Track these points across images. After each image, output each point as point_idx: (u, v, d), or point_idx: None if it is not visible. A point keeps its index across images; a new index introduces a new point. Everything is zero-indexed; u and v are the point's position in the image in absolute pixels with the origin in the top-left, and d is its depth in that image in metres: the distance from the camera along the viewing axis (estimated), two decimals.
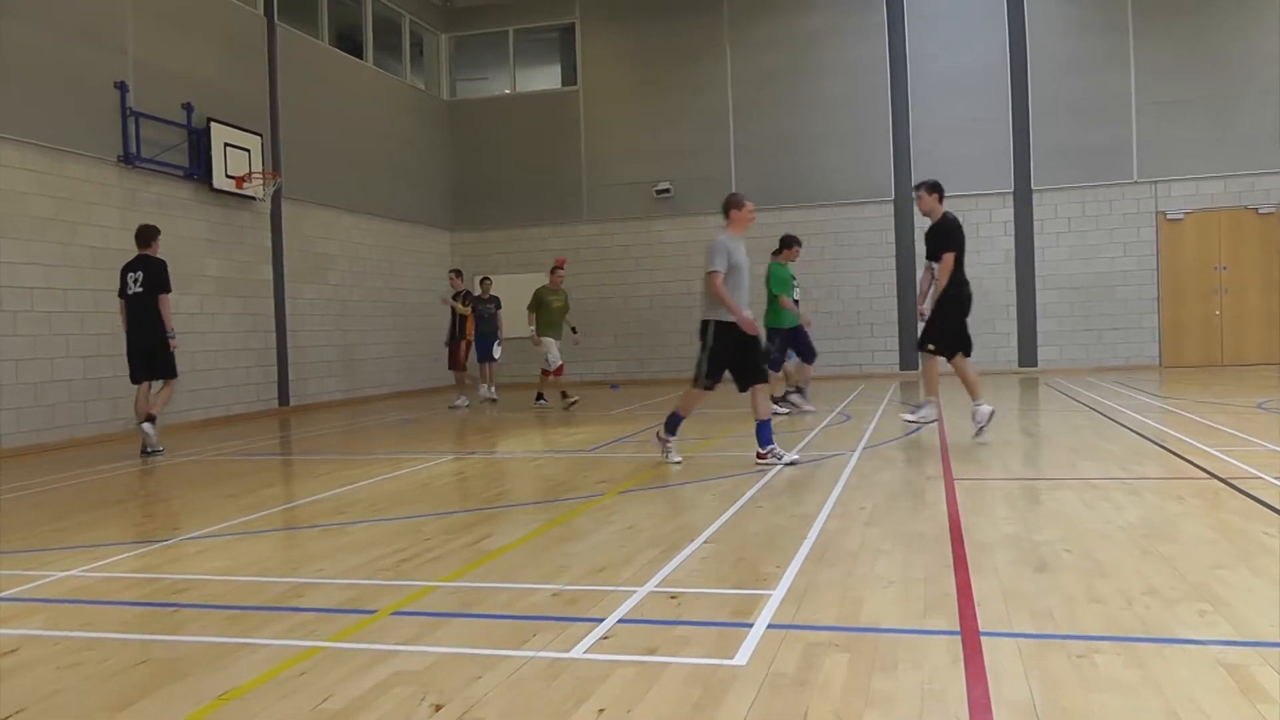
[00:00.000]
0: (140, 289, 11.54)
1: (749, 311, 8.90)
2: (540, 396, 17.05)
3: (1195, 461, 8.10)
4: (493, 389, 18.36)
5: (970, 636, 3.98)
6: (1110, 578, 4.75)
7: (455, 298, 17.79)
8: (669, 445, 9.28)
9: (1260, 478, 7.23)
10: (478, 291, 18.37)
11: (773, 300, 13.48)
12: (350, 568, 5.63)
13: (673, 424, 9.29)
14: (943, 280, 10.12)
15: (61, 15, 13.54)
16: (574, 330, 17.00)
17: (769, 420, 9.06)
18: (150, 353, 11.60)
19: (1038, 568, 5.00)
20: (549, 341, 16.18)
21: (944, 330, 10.28)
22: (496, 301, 18.19)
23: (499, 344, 18.14)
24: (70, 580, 5.59)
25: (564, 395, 16.27)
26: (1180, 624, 4.05)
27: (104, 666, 4.04)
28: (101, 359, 13.81)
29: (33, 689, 3.83)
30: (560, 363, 16.41)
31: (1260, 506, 6.29)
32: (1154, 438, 9.86)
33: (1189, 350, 20.32)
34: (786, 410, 13.49)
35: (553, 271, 16.63)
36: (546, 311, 16.27)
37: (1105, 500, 6.70)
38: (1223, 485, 7.08)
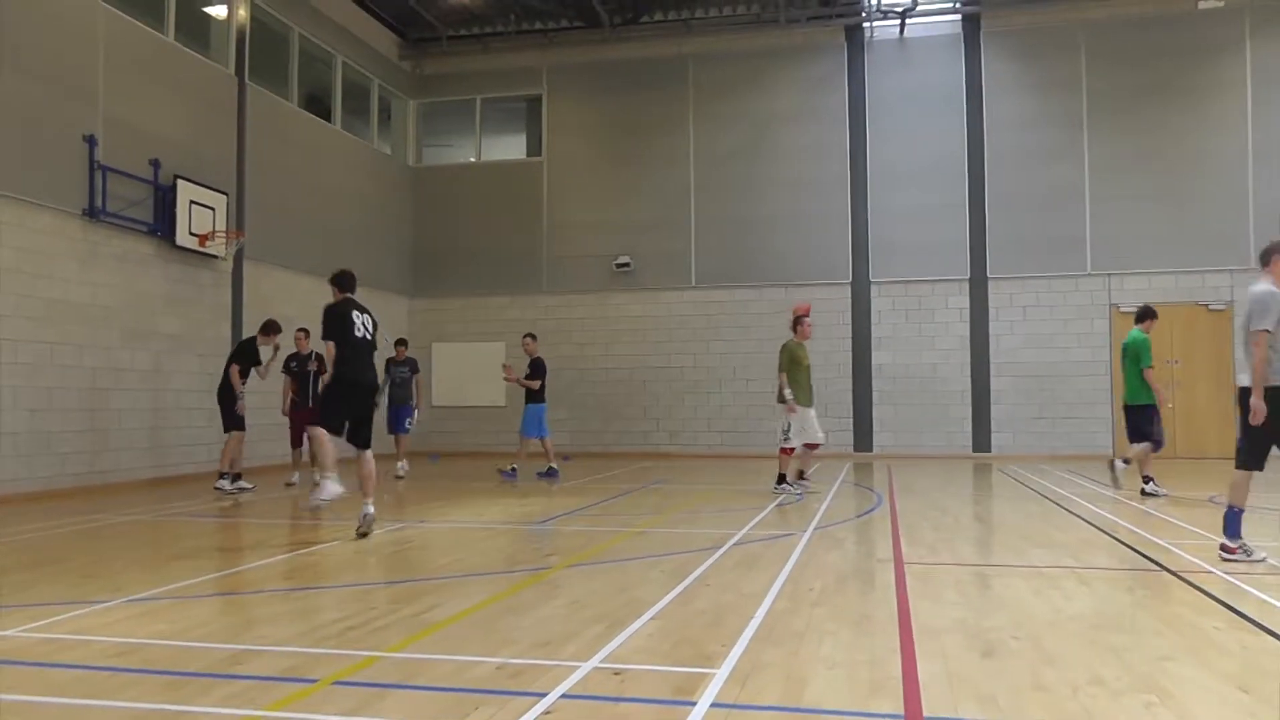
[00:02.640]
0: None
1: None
2: (783, 480, 13.36)
3: (1146, 553, 8.16)
4: (402, 464, 17.00)
5: None
6: (1057, 666, 4.77)
7: (292, 362, 15.29)
8: (1241, 548, 7.71)
9: (1211, 572, 7.28)
10: (392, 354, 16.80)
11: (1138, 374, 12.67)
12: (293, 635, 5.55)
13: (1235, 526, 7.76)
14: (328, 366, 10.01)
15: (33, 67, 13.51)
16: None
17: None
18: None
19: (985, 653, 5.01)
20: (805, 412, 13.23)
21: (325, 410, 10.01)
22: (413, 365, 17.03)
23: (414, 415, 16.80)
24: (5, 641, 5.46)
25: (801, 475, 13.58)
26: (1125, 715, 4.06)
27: None
28: (52, 413, 13.62)
29: None
30: (820, 438, 13.48)
31: (1210, 600, 6.34)
32: (1105, 528, 9.93)
33: None
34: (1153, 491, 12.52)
35: (799, 322, 13.59)
36: (800, 372, 13.30)
37: (1055, 588, 6.73)
38: (1173, 578, 7.12)
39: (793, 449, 13.30)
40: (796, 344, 13.43)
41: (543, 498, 13.23)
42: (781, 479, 13.32)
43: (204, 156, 16.87)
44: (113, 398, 14.67)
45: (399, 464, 16.99)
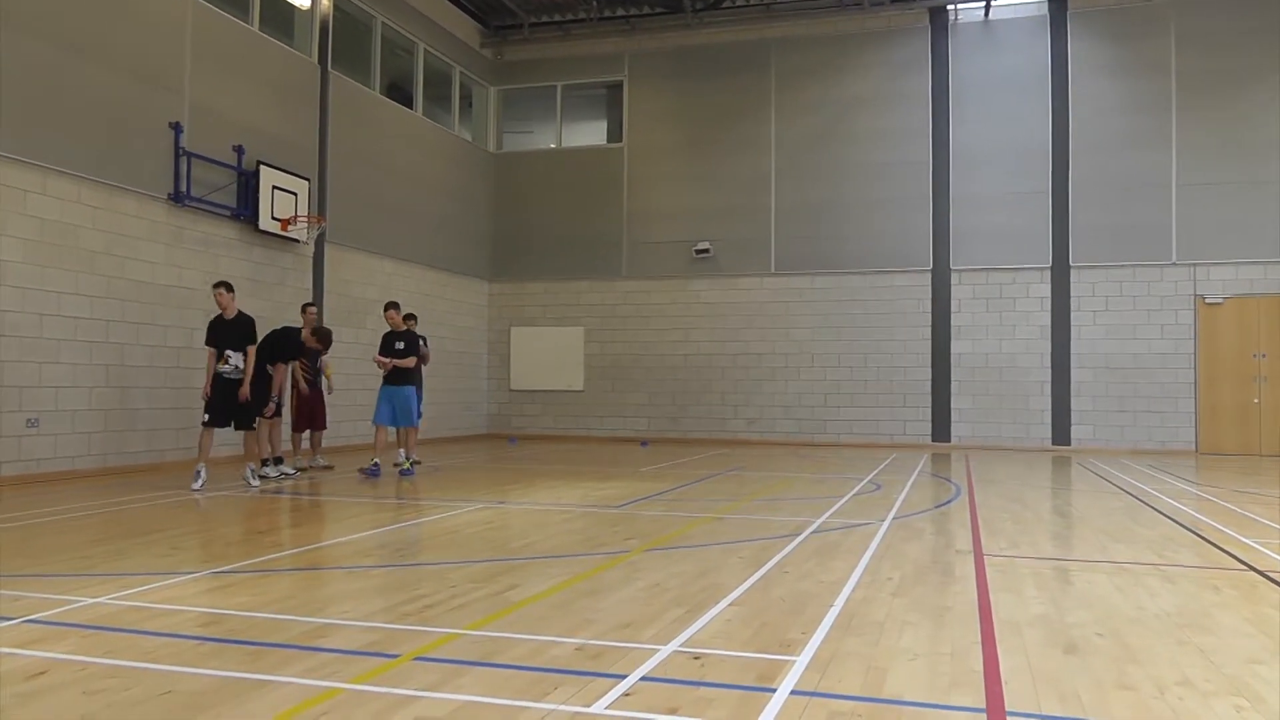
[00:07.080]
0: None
1: None
2: None
3: (1232, 552, 7.98)
4: (404, 453, 14.38)
5: (996, 715, 3.93)
6: (1142, 665, 4.68)
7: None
8: None
9: None
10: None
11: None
12: (374, 611, 5.63)
13: None
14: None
15: (122, 56, 13.85)
16: None
17: None
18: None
19: (1067, 649, 4.93)
20: None
21: None
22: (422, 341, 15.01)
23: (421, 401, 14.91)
24: (98, 607, 5.62)
25: None
26: (1214, 718, 3.97)
27: (128, 695, 4.05)
28: (138, 391, 13.98)
29: (58, 712, 3.85)
30: None
31: None
32: (1189, 525, 9.72)
33: (1226, 438, 20.07)
34: None
35: None
36: None
37: (1138, 586, 6.60)
38: (1260, 577, 6.95)
39: None
40: None
41: (625, 482, 13.26)
42: None
43: (287, 143, 17.15)
44: (196, 377, 14.92)
45: (401, 453, 14.46)
